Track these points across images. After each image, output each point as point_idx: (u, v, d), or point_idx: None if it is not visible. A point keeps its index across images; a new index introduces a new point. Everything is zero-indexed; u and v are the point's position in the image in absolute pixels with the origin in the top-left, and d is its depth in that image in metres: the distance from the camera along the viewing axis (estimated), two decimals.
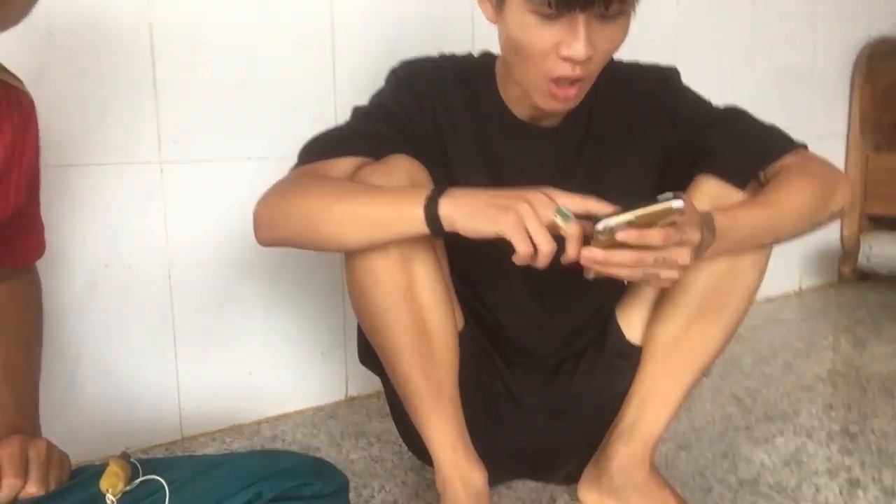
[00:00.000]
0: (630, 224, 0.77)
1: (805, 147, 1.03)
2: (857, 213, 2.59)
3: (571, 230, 0.80)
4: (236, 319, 1.42)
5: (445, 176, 1.00)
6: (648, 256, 0.79)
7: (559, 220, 0.80)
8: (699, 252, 0.84)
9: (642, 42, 1.89)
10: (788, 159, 1.00)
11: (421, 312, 0.94)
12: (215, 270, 1.38)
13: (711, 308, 1.01)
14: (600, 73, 1.01)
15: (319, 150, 0.99)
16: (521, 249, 0.79)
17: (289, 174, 0.99)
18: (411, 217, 0.84)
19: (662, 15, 1.99)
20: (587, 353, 1.12)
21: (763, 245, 0.99)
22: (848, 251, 2.63)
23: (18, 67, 0.86)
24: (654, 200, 0.77)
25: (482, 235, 0.82)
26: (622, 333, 1.09)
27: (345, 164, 0.96)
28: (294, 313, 1.49)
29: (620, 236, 0.77)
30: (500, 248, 0.83)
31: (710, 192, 0.99)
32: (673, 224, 0.78)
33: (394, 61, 1.08)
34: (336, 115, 1.44)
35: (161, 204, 1.31)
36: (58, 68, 1.19)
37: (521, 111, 1.04)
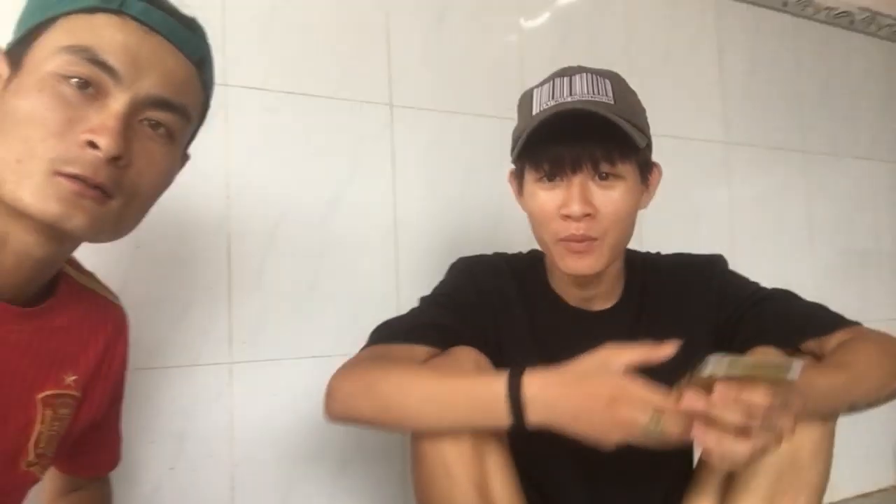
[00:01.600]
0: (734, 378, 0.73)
1: (859, 324, 1.02)
2: None
3: (668, 433, 0.78)
4: None
5: (502, 363, 1.01)
6: (757, 420, 0.74)
7: (653, 429, 0.79)
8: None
9: (699, 233, 1.92)
10: (843, 334, 0.99)
11: None
12: (278, 470, 1.36)
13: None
14: (647, 266, 1.11)
15: (390, 335, 1.03)
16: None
17: (360, 353, 1.02)
18: (495, 409, 0.85)
19: (716, 204, 2.03)
20: None
21: (835, 413, 0.94)
22: None
23: (105, 276, 0.93)
24: (770, 360, 0.75)
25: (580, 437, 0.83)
26: None
27: (415, 352, 0.98)
28: None
29: (720, 387, 0.74)
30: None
31: None
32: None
33: (453, 259, 1.13)
34: (399, 311, 1.48)
35: (228, 404, 1.33)
36: (141, 276, 1.26)
37: (571, 297, 1.08)
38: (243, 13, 1.38)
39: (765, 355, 0.87)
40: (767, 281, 1.11)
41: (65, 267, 0.82)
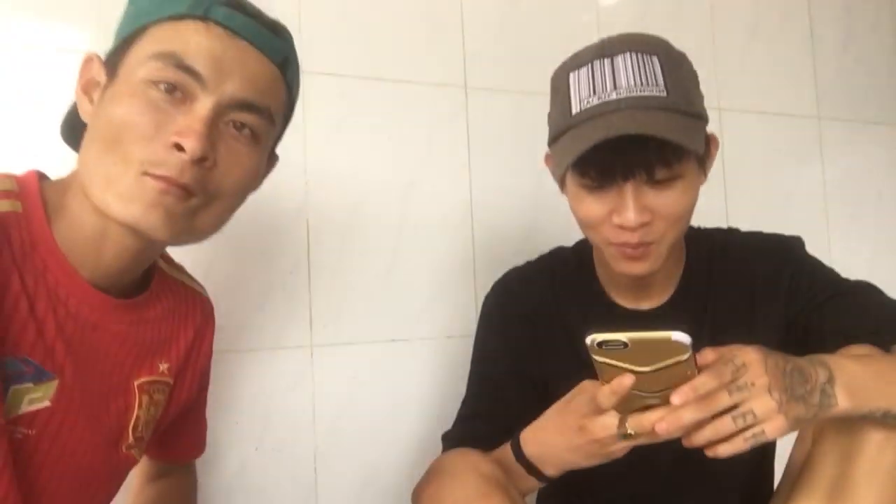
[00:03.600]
0: (624, 346, 0.69)
1: None
2: None
3: (642, 438, 0.77)
4: None
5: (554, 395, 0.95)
6: (707, 409, 0.71)
7: (627, 441, 0.79)
8: (811, 395, 0.74)
9: (790, 215, 1.84)
10: None
11: None
12: (360, 450, 1.39)
13: None
14: (715, 250, 1.01)
15: (454, 440, 1.04)
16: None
17: (431, 468, 1.02)
18: (522, 475, 0.90)
19: (809, 184, 1.93)
20: None
21: None
22: None
23: (191, 262, 0.95)
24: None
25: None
26: None
27: (468, 457, 0.98)
28: None
29: (676, 400, 0.70)
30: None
31: None
32: (689, 371, 0.70)
33: (529, 244, 1.11)
34: (476, 296, 1.47)
35: (310, 386, 1.36)
36: (224, 262, 1.30)
37: (622, 291, 1.02)
38: None
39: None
40: (864, 269, 1.04)
41: (157, 260, 0.85)
